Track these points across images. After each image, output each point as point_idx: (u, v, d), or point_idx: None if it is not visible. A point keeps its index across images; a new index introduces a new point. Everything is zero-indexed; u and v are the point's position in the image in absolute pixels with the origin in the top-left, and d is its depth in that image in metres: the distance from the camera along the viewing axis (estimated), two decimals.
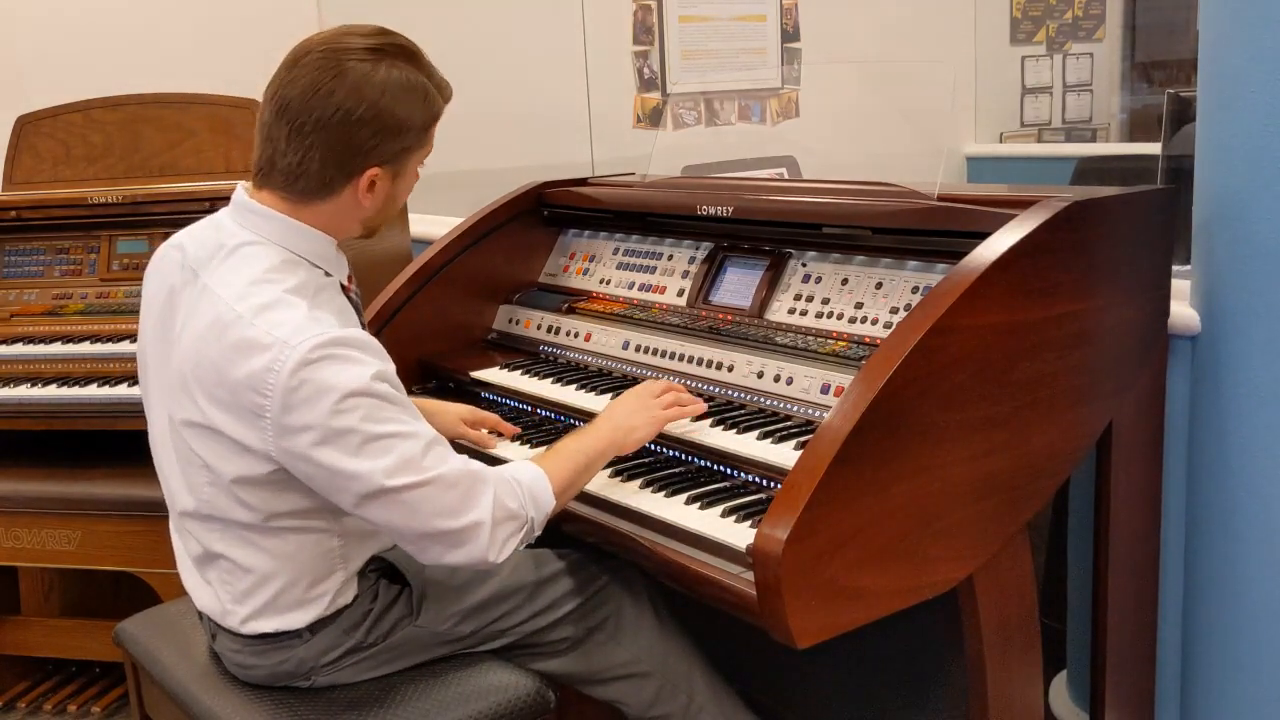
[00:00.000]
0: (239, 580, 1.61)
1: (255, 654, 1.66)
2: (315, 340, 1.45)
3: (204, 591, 1.68)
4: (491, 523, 1.52)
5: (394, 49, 1.57)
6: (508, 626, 1.74)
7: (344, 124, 1.52)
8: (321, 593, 1.62)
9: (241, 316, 1.48)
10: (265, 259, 1.55)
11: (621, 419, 1.76)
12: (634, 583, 1.83)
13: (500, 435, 2.02)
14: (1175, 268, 1.78)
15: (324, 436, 1.44)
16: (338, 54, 1.53)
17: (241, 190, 1.62)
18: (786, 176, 3.83)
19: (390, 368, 1.52)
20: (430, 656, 1.72)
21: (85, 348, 2.65)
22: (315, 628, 1.64)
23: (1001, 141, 5.55)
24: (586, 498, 1.75)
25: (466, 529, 1.51)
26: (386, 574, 1.71)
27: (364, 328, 1.67)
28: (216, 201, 2.70)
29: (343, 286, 1.68)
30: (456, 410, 2.02)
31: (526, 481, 1.59)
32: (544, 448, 1.92)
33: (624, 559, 1.71)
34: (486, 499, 1.52)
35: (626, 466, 1.80)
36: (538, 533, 1.61)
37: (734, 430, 1.79)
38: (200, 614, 1.76)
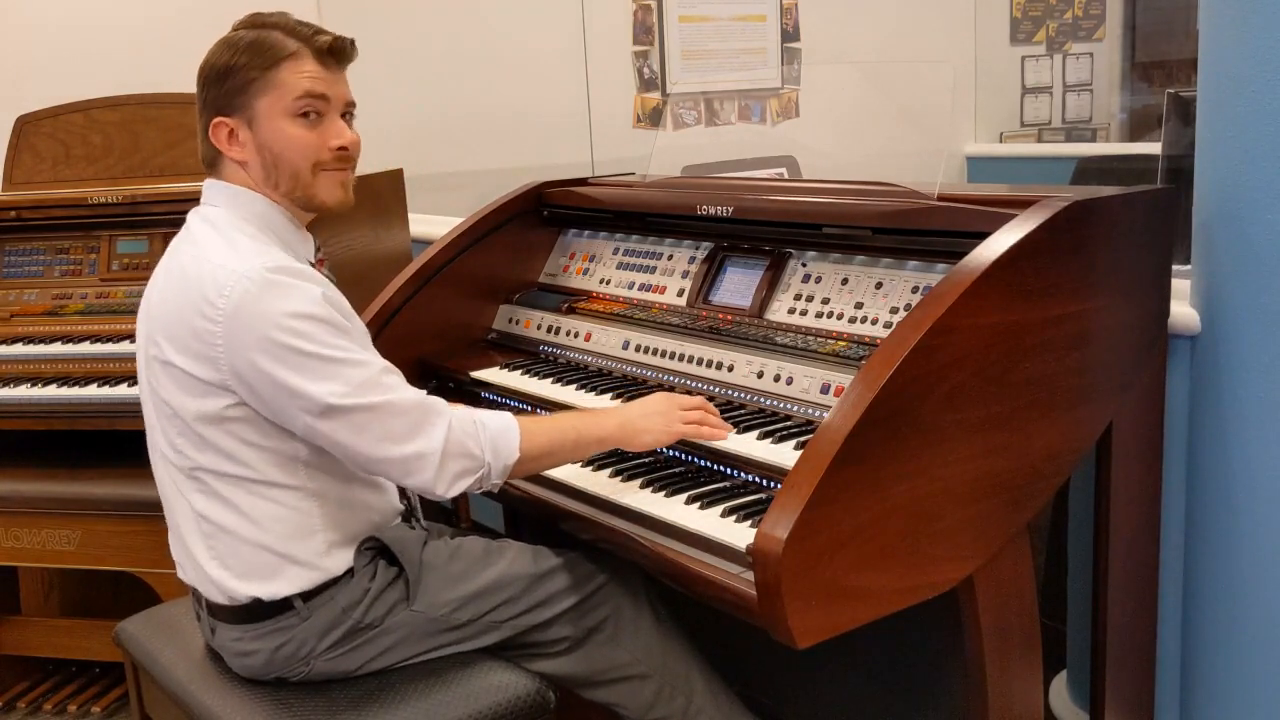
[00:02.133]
0: (218, 541, 1.63)
1: (254, 638, 1.65)
2: (264, 265, 1.54)
3: (192, 565, 1.69)
4: (441, 455, 1.56)
5: (254, 18, 1.69)
6: (505, 618, 1.74)
7: (199, 87, 1.68)
8: (300, 556, 1.63)
9: (196, 259, 1.59)
10: (225, 221, 1.65)
11: (634, 418, 1.75)
12: (633, 583, 1.83)
13: None
14: (1175, 268, 1.78)
15: (273, 354, 1.51)
16: None
17: None
18: (786, 176, 3.83)
19: (344, 302, 1.59)
20: (429, 647, 1.72)
21: (85, 348, 2.65)
22: (310, 600, 1.64)
23: (1001, 141, 5.55)
24: (586, 497, 1.75)
25: (411, 457, 1.55)
26: (384, 555, 1.72)
27: None
28: None
29: (312, 265, 1.71)
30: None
31: (493, 427, 1.62)
32: None
33: (623, 559, 1.71)
34: (438, 431, 1.56)
35: (626, 466, 1.80)
36: (495, 481, 1.63)
37: (734, 430, 1.78)
38: (198, 613, 1.76)
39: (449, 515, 2.92)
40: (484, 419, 1.63)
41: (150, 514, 2.42)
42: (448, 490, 1.59)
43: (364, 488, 1.71)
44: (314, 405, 1.52)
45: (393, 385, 1.57)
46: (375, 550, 1.72)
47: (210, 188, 1.70)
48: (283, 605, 1.64)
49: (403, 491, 1.81)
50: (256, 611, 1.65)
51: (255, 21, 1.68)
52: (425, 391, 1.62)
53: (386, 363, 1.59)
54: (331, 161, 1.67)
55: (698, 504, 1.65)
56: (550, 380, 2.15)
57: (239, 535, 1.62)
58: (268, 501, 1.62)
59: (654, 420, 1.75)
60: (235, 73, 1.62)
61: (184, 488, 1.66)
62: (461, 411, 1.63)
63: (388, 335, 2.22)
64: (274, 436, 1.59)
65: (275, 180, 1.66)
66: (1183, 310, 1.81)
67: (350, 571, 1.67)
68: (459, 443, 1.58)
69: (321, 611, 1.65)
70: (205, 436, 1.59)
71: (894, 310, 1.83)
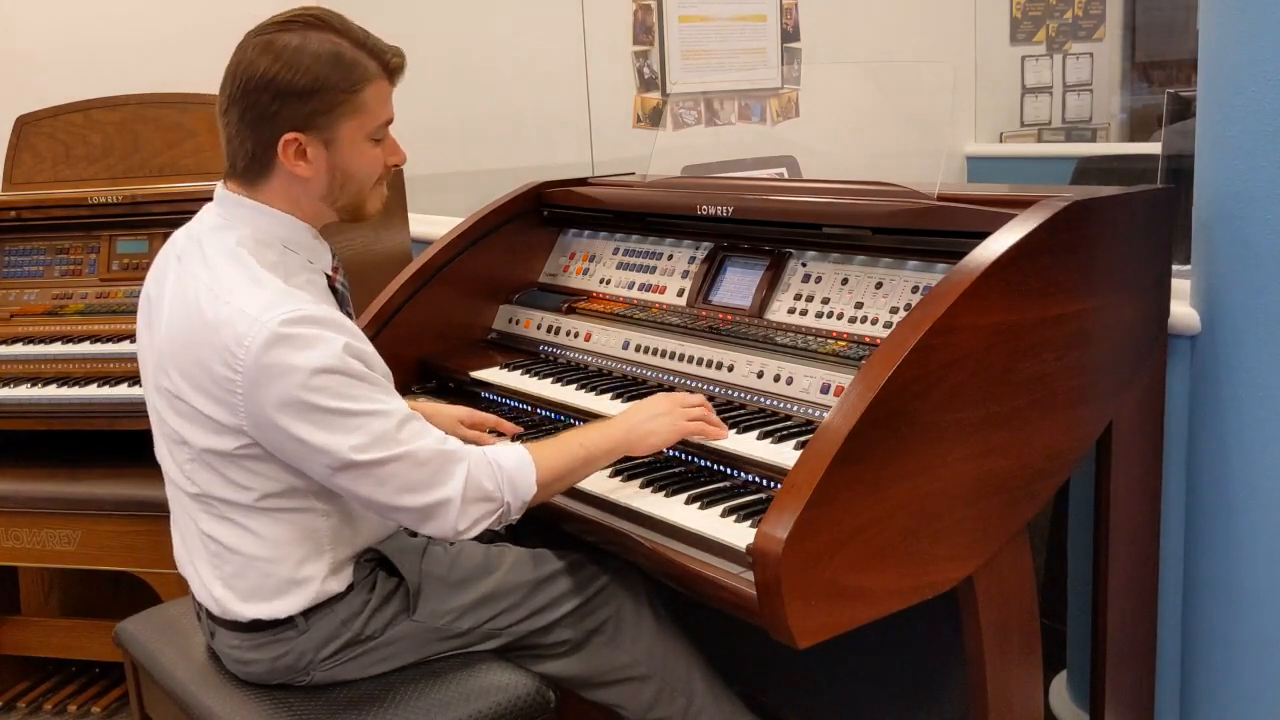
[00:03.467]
0: (225, 563, 1.62)
1: (253, 648, 1.65)
2: (285, 316, 1.47)
3: (196, 580, 1.68)
4: (461, 501, 1.54)
5: (305, 19, 1.57)
6: (506, 625, 1.74)
7: (247, 93, 1.55)
8: (308, 576, 1.62)
9: (215, 294, 1.51)
10: (235, 240, 1.58)
11: (639, 422, 1.74)
12: (633, 585, 1.82)
13: (501, 435, 2.02)
14: (1175, 268, 1.78)
15: (294, 411, 1.46)
16: (249, 34, 1.58)
17: (220, 183, 1.67)
18: (786, 176, 3.83)
19: (366, 346, 1.54)
20: (428, 654, 1.72)
21: (85, 348, 2.65)
22: (310, 616, 1.63)
23: (1001, 141, 5.55)
24: (586, 497, 1.75)
25: (432, 506, 1.53)
26: (383, 566, 1.71)
27: (352, 319, 1.68)
28: None
29: (328, 276, 1.69)
30: (454, 412, 2.01)
31: (508, 466, 1.60)
32: None
33: (624, 559, 1.71)
34: (458, 477, 1.54)
35: (626, 466, 1.80)
36: (514, 517, 1.62)
37: (734, 430, 1.78)
38: (198, 613, 1.76)
39: None
40: (498, 458, 1.59)
41: (150, 514, 2.42)
42: (468, 533, 1.57)
43: None
44: (334, 460, 1.48)
45: (414, 434, 1.53)
46: (374, 562, 1.71)
47: (233, 203, 1.62)
48: (284, 622, 1.63)
49: None
50: (256, 626, 1.64)
51: (319, 23, 1.57)
52: (441, 437, 1.57)
53: (407, 409, 1.54)
54: (385, 175, 1.69)
55: (698, 504, 1.65)
56: (550, 380, 2.15)
57: (247, 557, 1.60)
58: (277, 525, 1.59)
59: (659, 422, 1.75)
60: (320, 94, 1.54)
61: (190, 509, 1.64)
62: (476, 453, 1.58)
63: (388, 335, 2.22)
64: (286, 471, 1.56)
65: (335, 197, 1.64)
66: (1183, 310, 1.81)
67: (350, 586, 1.67)
68: (477, 486, 1.55)
69: (320, 625, 1.64)
70: (215, 467, 1.56)
71: (894, 310, 1.83)
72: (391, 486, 1.51)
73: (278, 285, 1.53)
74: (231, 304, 1.50)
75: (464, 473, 1.54)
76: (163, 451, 1.67)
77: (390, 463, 1.49)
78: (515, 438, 2.00)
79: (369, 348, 1.55)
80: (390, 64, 1.61)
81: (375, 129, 1.62)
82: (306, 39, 1.55)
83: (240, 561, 1.61)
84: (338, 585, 1.65)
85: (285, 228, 1.63)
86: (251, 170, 1.60)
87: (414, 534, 1.78)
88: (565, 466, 1.66)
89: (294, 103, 1.54)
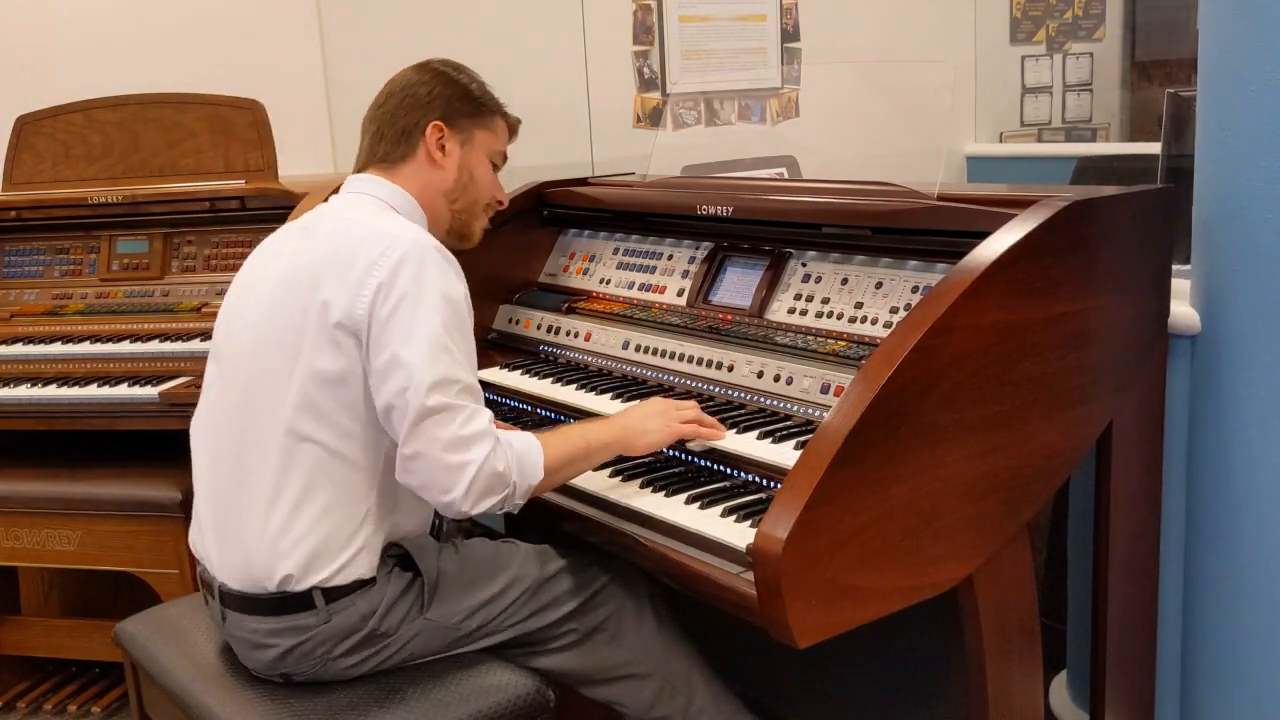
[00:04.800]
0: (296, 510, 1.62)
1: (271, 633, 1.64)
2: (427, 240, 1.67)
3: (232, 544, 1.66)
4: (478, 471, 1.57)
5: (455, 65, 1.92)
6: (511, 622, 1.75)
7: (406, 89, 1.85)
8: (339, 548, 1.63)
9: (364, 223, 1.70)
10: (374, 203, 1.79)
11: (636, 420, 1.77)
12: (635, 584, 1.83)
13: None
14: (1175, 268, 1.78)
15: (409, 311, 1.58)
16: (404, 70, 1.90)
17: (350, 176, 1.87)
18: (786, 176, 3.83)
19: (471, 306, 1.70)
20: (434, 652, 1.72)
21: (85, 348, 2.65)
22: (333, 602, 1.63)
23: (1001, 141, 5.54)
24: (586, 497, 1.75)
25: (456, 467, 1.56)
26: (401, 563, 1.72)
27: None
28: (216, 201, 2.70)
29: None
30: None
31: (518, 448, 1.63)
32: None
33: (625, 558, 1.71)
34: (484, 448, 1.58)
35: (626, 466, 1.80)
36: (518, 501, 1.63)
37: (734, 430, 1.79)
38: (206, 597, 1.75)
39: None
40: (510, 439, 1.64)
41: (150, 514, 2.42)
42: (472, 507, 1.58)
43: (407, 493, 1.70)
44: (406, 375, 1.56)
45: (476, 398, 1.62)
46: (395, 558, 1.72)
47: (367, 181, 1.82)
48: (305, 599, 1.63)
49: None
50: (276, 604, 1.63)
51: (465, 70, 1.91)
52: (488, 414, 1.63)
53: (478, 385, 1.65)
54: (492, 206, 1.96)
55: (698, 504, 1.65)
56: (550, 380, 2.15)
57: (308, 502, 1.62)
58: (334, 479, 1.63)
59: (653, 421, 1.77)
60: (476, 99, 1.88)
61: (288, 450, 1.64)
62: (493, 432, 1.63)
63: None
64: (366, 409, 1.62)
65: (456, 196, 1.87)
66: (1183, 310, 1.81)
67: (373, 579, 1.67)
68: (490, 462, 1.58)
69: (341, 616, 1.64)
70: (310, 396, 1.62)
71: (894, 310, 1.83)
72: (429, 432, 1.56)
73: (413, 225, 1.73)
74: (379, 228, 1.68)
75: (491, 447, 1.59)
76: (264, 395, 1.66)
77: (440, 410, 1.56)
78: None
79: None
80: (511, 120, 1.97)
81: (497, 153, 1.93)
82: (462, 71, 1.90)
83: (301, 509, 1.62)
84: (366, 569, 1.65)
85: (410, 205, 1.82)
86: (395, 150, 1.83)
87: (434, 532, 1.80)
88: (568, 456, 1.69)
89: (448, 97, 1.85)
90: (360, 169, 1.85)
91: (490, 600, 1.73)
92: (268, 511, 1.63)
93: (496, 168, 1.94)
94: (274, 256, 1.76)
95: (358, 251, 1.63)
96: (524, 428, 2.03)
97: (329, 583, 1.63)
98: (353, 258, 1.62)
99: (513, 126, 1.96)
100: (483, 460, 1.57)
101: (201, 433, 1.78)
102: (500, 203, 1.97)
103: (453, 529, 1.87)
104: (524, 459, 1.63)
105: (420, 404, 1.55)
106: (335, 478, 1.63)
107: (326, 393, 1.62)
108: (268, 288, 1.71)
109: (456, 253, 1.74)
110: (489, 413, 1.62)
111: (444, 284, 1.62)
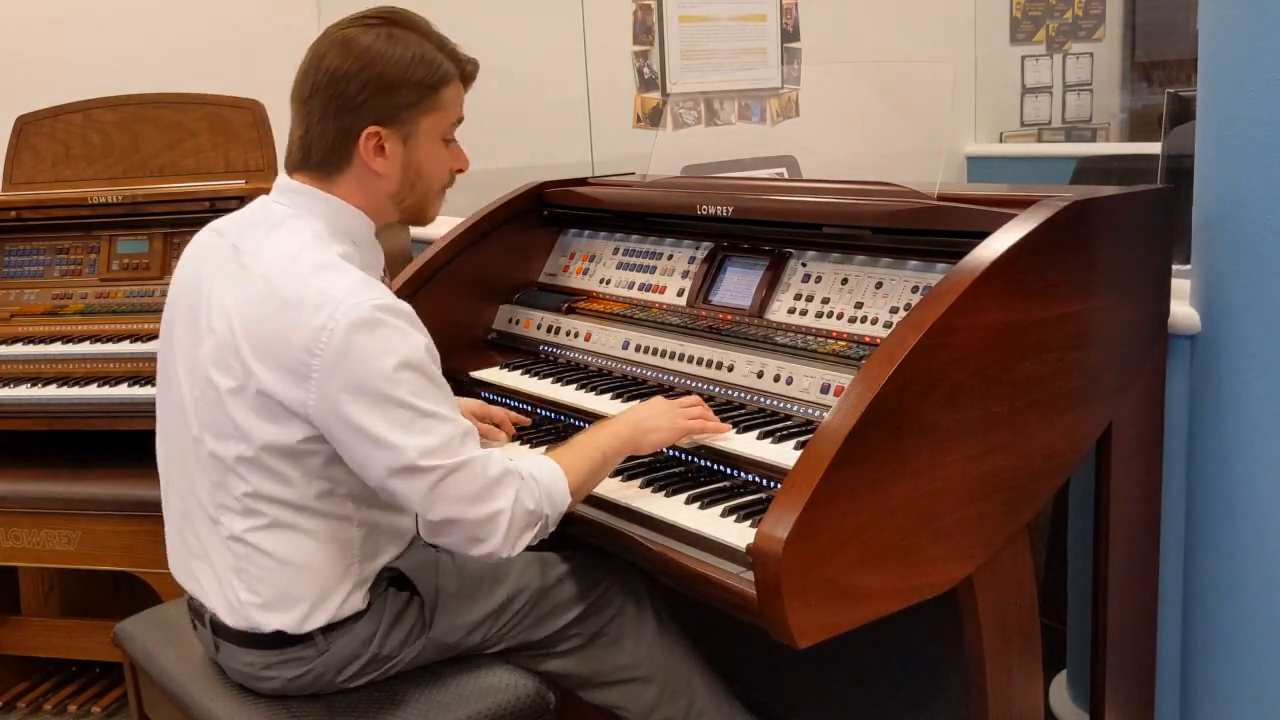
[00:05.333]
0: (255, 566, 1.56)
1: (268, 666, 1.61)
2: (373, 302, 1.46)
3: (211, 588, 1.63)
4: (511, 516, 1.52)
5: (389, 17, 1.61)
6: (515, 632, 1.74)
7: (333, 82, 1.56)
8: (338, 589, 1.59)
9: (297, 275, 1.49)
10: (310, 229, 1.57)
11: (642, 420, 1.75)
12: (636, 587, 1.82)
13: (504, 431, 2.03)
14: (1175, 268, 1.78)
15: (369, 401, 1.44)
16: (332, 29, 1.61)
17: (282, 175, 1.66)
18: (786, 176, 3.83)
19: (437, 355, 1.54)
20: (435, 663, 1.71)
21: (85, 348, 2.65)
22: (331, 634, 1.60)
23: (1001, 141, 5.54)
24: (587, 497, 1.74)
25: (487, 519, 1.50)
26: (395, 583, 1.69)
27: None
28: (216, 201, 2.70)
29: (382, 279, 1.68)
30: (466, 404, 2.02)
31: (545, 480, 1.58)
32: (544, 447, 1.92)
33: (625, 559, 1.71)
34: (510, 491, 1.52)
35: (626, 466, 1.80)
36: (551, 529, 1.60)
37: (734, 430, 1.78)
38: (195, 623, 1.73)
39: None
40: (533, 473, 1.57)
41: (150, 514, 2.42)
42: (512, 551, 1.54)
43: (400, 514, 1.67)
44: (398, 460, 1.45)
45: (475, 447, 1.52)
46: (387, 580, 1.68)
47: (304, 194, 1.60)
48: (304, 639, 1.60)
49: None
50: (273, 641, 1.60)
51: (402, 22, 1.61)
52: (499, 457, 1.56)
53: (468, 424, 1.54)
54: (450, 182, 1.71)
55: (698, 504, 1.65)
56: (550, 380, 2.15)
57: (279, 562, 1.56)
58: (316, 530, 1.56)
59: (660, 420, 1.75)
60: (406, 88, 1.58)
61: (218, 515, 1.58)
62: (516, 469, 1.57)
63: None
64: (337, 470, 1.54)
65: (404, 196, 1.65)
66: (1183, 310, 1.81)
67: (369, 605, 1.64)
68: (521, 503, 1.53)
69: (341, 644, 1.61)
70: (270, 465, 1.52)
71: (894, 310, 1.83)
72: (451, 496, 1.48)
73: (358, 274, 1.52)
74: (314, 284, 1.48)
75: (515, 487, 1.53)
76: (191, 458, 1.61)
77: (452, 472, 1.47)
78: (514, 438, 2.00)
79: (436, 353, 1.54)
80: (466, 68, 1.66)
81: (448, 127, 1.65)
82: (392, 35, 1.58)
83: (272, 566, 1.56)
84: (360, 602, 1.62)
85: (356, 221, 1.63)
86: (329, 162, 1.60)
87: (433, 546, 1.71)
88: (588, 470, 1.65)
89: (381, 95, 1.56)
90: (293, 168, 1.64)
91: (492, 614, 1.71)
92: (234, 566, 1.58)
93: (451, 140, 1.68)
94: (204, 297, 1.58)
95: (293, 326, 1.46)
96: (523, 429, 2.03)
97: (323, 622, 1.60)
98: (286, 335, 1.46)
99: (468, 78, 1.68)
100: (512, 505, 1.52)
101: (160, 446, 1.71)
102: (461, 170, 1.72)
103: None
104: (552, 490, 1.58)
105: (427, 476, 1.46)
106: (300, 529, 1.56)
107: (280, 462, 1.52)
108: (196, 350, 1.58)
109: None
110: (498, 452, 1.56)
111: (402, 350, 1.46)
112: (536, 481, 1.57)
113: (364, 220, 1.63)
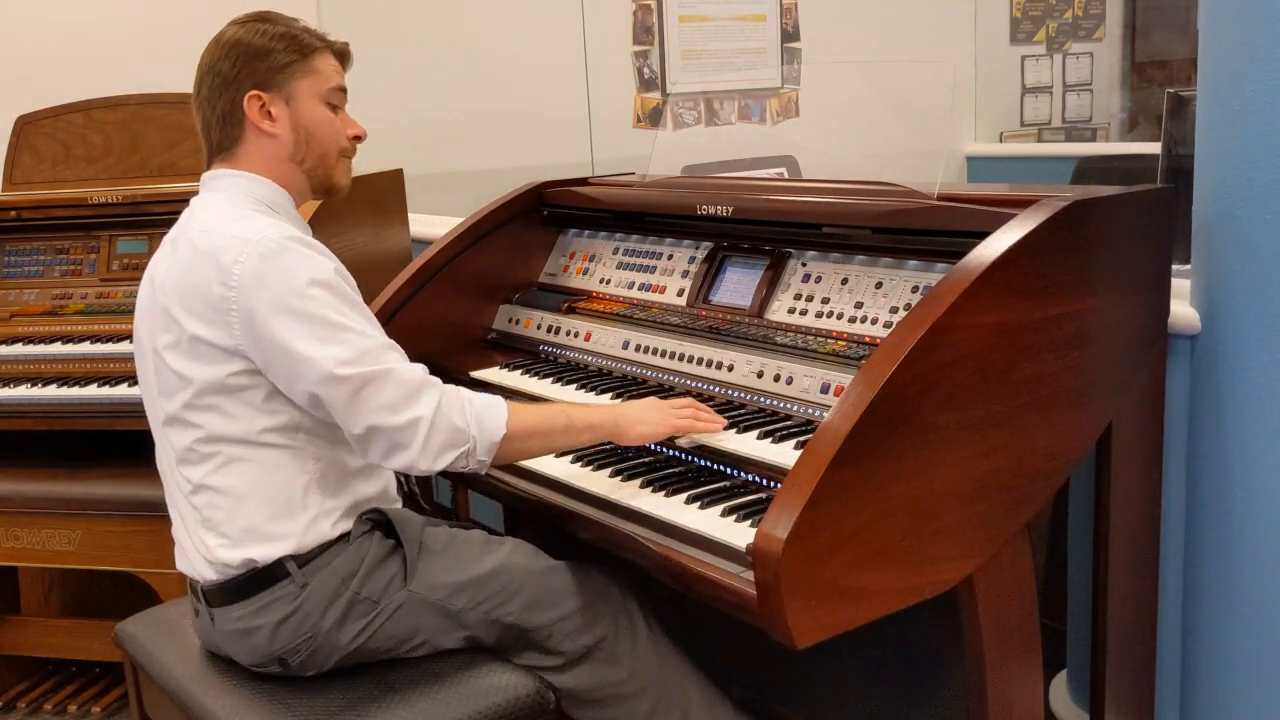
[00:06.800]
0: (218, 509, 1.65)
1: (254, 613, 1.65)
2: (279, 234, 1.60)
3: (192, 553, 1.70)
4: (430, 425, 1.57)
5: (260, 15, 1.77)
6: (502, 612, 1.73)
7: (213, 69, 1.73)
8: (298, 518, 1.65)
9: (211, 232, 1.63)
10: (226, 200, 1.71)
11: (630, 410, 1.77)
12: (627, 599, 1.83)
13: None
14: (1175, 268, 1.78)
15: (286, 315, 1.55)
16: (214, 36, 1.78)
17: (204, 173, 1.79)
18: (786, 176, 3.83)
19: (352, 280, 1.66)
20: (426, 635, 1.71)
21: (85, 348, 2.65)
22: (306, 566, 1.64)
23: (1001, 141, 5.55)
24: (586, 497, 1.75)
25: (406, 425, 1.57)
26: (381, 528, 1.73)
27: None
28: None
29: None
30: None
31: (479, 404, 1.64)
32: None
33: (619, 573, 1.71)
34: (431, 400, 1.59)
35: (626, 466, 1.80)
36: (482, 458, 1.63)
37: (734, 430, 1.78)
38: (195, 608, 1.75)
39: (449, 514, 2.91)
40: (470, 395, 1.65)
41: (150, 514, 2.42)
42: (432, 463, 1.59)
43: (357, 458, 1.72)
44: (317, 372, 1.55)
45: (396, 359, 1.61)
46: (374, 522, 1.73)
47: (217, 176, 1.74)
48: (277, 571, 1.64)
49: (402, 483, 1.81)
50: (253, 583, 1.65)
51: (267, 18, 1.76)
52: (420, 367, 1.64)
53: (390, 341, 1.63)
54: (349, 148, 1.81)
55: (698, 503, 1.65)
56: (550, 380, 2.15)
57: (238, 497, 1.64)
58: (264, 465, 1.64)
59: (649, 413, 1.77)
60: (274, 54, 1.72)
61: (183, 469, 1.68)
62: (449, 388, 1.65)
63: (388, 335, 2.22)
64: (278, 403, 1.62)
65: (303, 156, 1.75)
66: (1183, 310, 1.81)
67: (345, 536, 1.68)
68: (446, 416, 1.59)
69: (319, 579, 1.65)
70: (211, 404, 1.62)
71: (894, 310, 1.83)
72: (368, 403, 1.56)
73: (269, 219, 1.65)
74: (225, 232, 1.61)
75: (437, 398, 1.59)
76: (157, 412, 1.70)
77: (371, 381, 1.56)
78: None
79: (355, 284, 1.66)
80: (336, 46, 1.80)
81: (328, 92, 1.77)
82: (259, 26, 1.74)
83: (231, 503, 1.64)
84: (329, 531, 1.67)
85: (267, 190, 1.74)
86: (226, 138, 1.74)
87: (415, 503, 1.82)
88: (541, 423, 1.69)
89: (252, 62, 1.71)
90: (207, 162, 1.78)
91: (477, 581, 1.73)
92: (201, 518, 1.67)
93: (337, 108, 1.79)
94: (154, 289, 1.72)
95: (211, 270, 1.59)
96: None
97: (293, 549, 1.65)
98: (206, 279, 1.59)
99: (340, 54, 1.81)
100: (433, 412, 1.58)
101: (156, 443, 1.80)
102: (358, 138, 1.82)
103: (433, 513, 1.87)
104: (484, 415, 1.63)
105: (346, 384, 1.55)
106: (251, 463, 1.64)
107: (222, 398, 1.62)
108: (152, 336, 1.70)
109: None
110: (422, 366, 1.63)
111: (311, 270, 1.58)
112: (469, 403, 1.63)
113: (274, 188, 1.74)
